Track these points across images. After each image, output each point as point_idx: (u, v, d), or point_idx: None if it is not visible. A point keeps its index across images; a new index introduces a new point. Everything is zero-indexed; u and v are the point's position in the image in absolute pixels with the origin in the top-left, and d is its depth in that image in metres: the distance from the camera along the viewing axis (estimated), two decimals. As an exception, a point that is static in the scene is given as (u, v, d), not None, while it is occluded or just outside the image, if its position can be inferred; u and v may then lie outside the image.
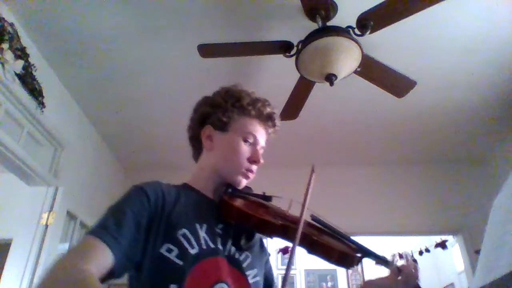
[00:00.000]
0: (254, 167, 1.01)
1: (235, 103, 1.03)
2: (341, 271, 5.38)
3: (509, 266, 0.49)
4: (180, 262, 0.80)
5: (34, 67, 2.23)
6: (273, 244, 5.00)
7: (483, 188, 3.40)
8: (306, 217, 0.99)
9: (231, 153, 1.00)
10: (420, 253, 3.75)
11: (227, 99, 1.03)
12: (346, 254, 0.96)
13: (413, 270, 0.99)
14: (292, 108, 2.49)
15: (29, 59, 2.18)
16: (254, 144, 1.02)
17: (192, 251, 0.82)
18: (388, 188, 3.63)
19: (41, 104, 2.31)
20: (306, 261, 5.39)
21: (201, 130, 1.04)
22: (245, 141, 1.01)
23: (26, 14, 2.14)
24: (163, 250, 0.81)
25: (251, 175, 1.02)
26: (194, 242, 0.84)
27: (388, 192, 3.60)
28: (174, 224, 0.85)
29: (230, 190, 0.98)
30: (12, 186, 2.89)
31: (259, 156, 1.02)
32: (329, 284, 5.37)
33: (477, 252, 2.93)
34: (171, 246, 0.82)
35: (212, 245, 0.86)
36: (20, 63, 2.07)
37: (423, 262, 3.52)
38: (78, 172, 2.88)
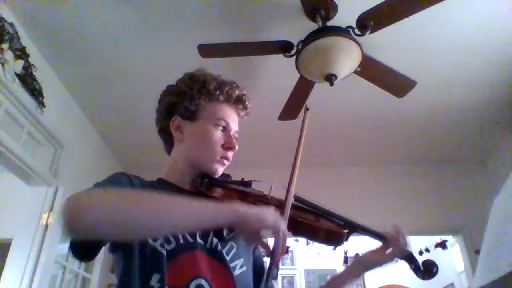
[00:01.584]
0: (229, 154, 0.97)
1: (201, 88, 0.98)
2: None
3: (509, 266, 0.49)
4: (164, 252, 0.79)
5: (34, 67, 2.23)
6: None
7: (483, 188, 3.40)
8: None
9: (203, 142, 0.96)
10: (420, 253, 3.75)
11: (192, 86, 0.98)
12: (333, 231, 0.93)
13: (403, 240, 0.97)
14: (292, 108, 2.49)
15: (29, 59, 2.18)
16: (227, 130, 0.98)
17: (169, 247, 0.80)
18: (388, 188, 3.63)
19: (41, 104, 2.31)
20: (306, 261, 5.40)
21: (169, 122, 0.99)
22: (217, 127, 0.96)
23: (26, 14, 2.14)
24: (149, 240, 0.80)
25: (226, 162, 0.97)
26: (171, 237, 0.82)
27: (387, 192, 3.60)
28: None
29: (206, 180, 0.94)
30: (12, 186, 2.89)
31: (234, 142, 0.97)
32: (329, 284, 5.37)
33: (477, 252, 2.94)
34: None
35: (190, 239, 0.84)
36: (20, 63, 2.07)
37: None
38: (78, 172, 2.88)
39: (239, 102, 1.01)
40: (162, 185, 0.95)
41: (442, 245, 3.69)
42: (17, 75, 2.09)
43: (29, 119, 2.30)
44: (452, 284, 4.63)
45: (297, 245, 5.07)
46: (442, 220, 3.46)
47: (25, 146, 2.31)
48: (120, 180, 0.84)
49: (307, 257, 5.34)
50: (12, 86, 2.06)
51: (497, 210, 0.62)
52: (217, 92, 0.98)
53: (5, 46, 1.95)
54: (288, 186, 0.88)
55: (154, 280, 0.76)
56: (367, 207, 3.47)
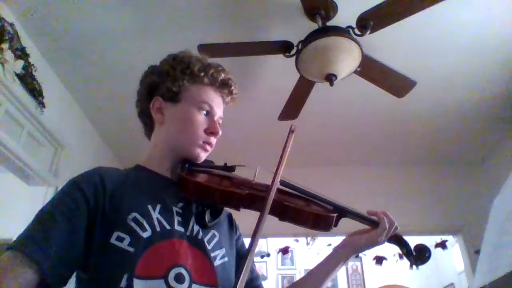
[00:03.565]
0: (212, 139, 0.93)
1: (185, 69, 0.93)
2: (341, 272, 5.37)
3: (509, 266, 0.50)
4: (131, 249, 0.73)
5: (34, 67, 2.23)
6: (273, 244, 5.01)
7: (483, 188, 3.40)
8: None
9: (185, 124, 0.91)
10: (420, 253, 3.75)
11: (175, 66, 0.94)
12: (320, 215, 0.91)
13: (391, 221, 0.95)
14: (292, 108, 2.49)
15: (29, 59, 2.18)
16: (211, 114, 0.93)
17: (144, 235, 0.75)
18: (388, 188, 3.63)
19: (41, 104, 2.31)
20: (306, 261, 5.40)
21: (150, 103, 0.95)
22: (200, 111, 0.92)
23: (26, 14, 2.14)
24: (113, 240, 0.74)
25: (209, 148, 0.93)
26: (146, 225, 0.77)
27: (388, 192, 3.60)
28: (123, 209, 0.77)
29: (187, 165, 0.90)
30: (12, 186, 2.88)
31: (217, 127, 0.93)
32: (329, 284, 5.37)
33: (477, 252, 2.94)
34: (122, 234, 0.74)
35: (167, 227, 0.79)
36: (20, 63, 2.07)
37: (423, 262, 3.52)
38: (78, 172, 2.87)
39: (224, 86, 0.97)
40: (140, 172, 0.90)
41: (442, 245, 3.69)
42: (17, 75, 2.09)
43: (29, 119, 2.30)
44: (452, 284, 4.63)
45: (297, 245, 5.07)
46: (442, 220, 3.46)
47: (25, 146, 2.30)
48: (61, 209, 0.74)
49: (307, 257, 5.34)
50: (12, 86, 2.06)
51: (497, 210, 0.62)
52: (202, 74, 0.93)
53: (5, 46, 1.95)
54: (272, 183, 0.83)
55: (124, 280, 0.71)
56: (366, 207, 3.46)
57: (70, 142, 2.74)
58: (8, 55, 1.97)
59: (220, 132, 0.93)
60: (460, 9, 2.11)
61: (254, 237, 0.73)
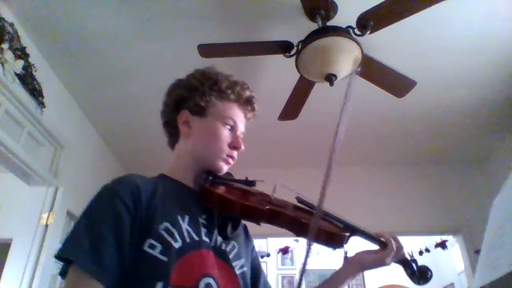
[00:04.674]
0: (235, 153, 0.98)
1: (213, 86, 0.98)
2: (341, 271, 5.35)
3: (509, 266, 0.49)
4: (164, 258, 0.76)
5: (34, 67, 2.23)
6: (273, 244, 5.01)
7: (483, 188, 3.40)
8: (291, 199, 0.99)
9: (211, 138, 0.96)
10: (420, 253, 3.75)
11: (204, 82, 0.99)
12: (334, 234, 0.96)
13: (399, 245, 1.00)
14: (292, 108, 2.49)
15: (29, 59, 2.18)
16: (234, 130, 0.98)
17: (176, 245, 0.78)
18: (388, 188, 3.63)
19: (41, 104, 2.31)
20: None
21: (177, 115, 0.99)
22: (225, 126, 0.97)
23: (26, 14, 2.14)
24: (145, 247, 0.76)
25: (231, 161, 0.98)
26: (177, 236, 0.79)
27: (387, 192, 3.60)
28: (156, 218, 0.80)
29: (211, 177, 0.94)
30: (12, 186, 2.89)
31: (240, 142, 0.98)
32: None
33: (477, 252, 2.94)
34: (154, 242, 0.77)
35: (196, 237, 0.82)
36: (20, 63, 2.07)
37: (423, 262, 3.52)
38: (78, 172, 2.88)
39: (248, 103, 1.02)
40: (167, 182, 0.93)
41: (442, 245, 3.68)
42: (17, 75, 2.09)
43: (29, 119, 2.30)
44: (452, 284, 4.63)
45: (297, 245, 5.06)
46: (442, 220, 3.46)
47: (25, 146, 2.31)
48: (108, 224, 0.76)
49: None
50: (12, 86, 2.06)
51: (497, 210, 0.62)
52: (229, 91, 0.98)
53: (5, 46, 1.95)
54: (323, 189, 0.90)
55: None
56: (367, 207, 3.47)
57: (70, 142, 2.75)
58: (8, 55, 1.97)
59: (243, 147, 0.98)
60: (460, 9, 2.10)
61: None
